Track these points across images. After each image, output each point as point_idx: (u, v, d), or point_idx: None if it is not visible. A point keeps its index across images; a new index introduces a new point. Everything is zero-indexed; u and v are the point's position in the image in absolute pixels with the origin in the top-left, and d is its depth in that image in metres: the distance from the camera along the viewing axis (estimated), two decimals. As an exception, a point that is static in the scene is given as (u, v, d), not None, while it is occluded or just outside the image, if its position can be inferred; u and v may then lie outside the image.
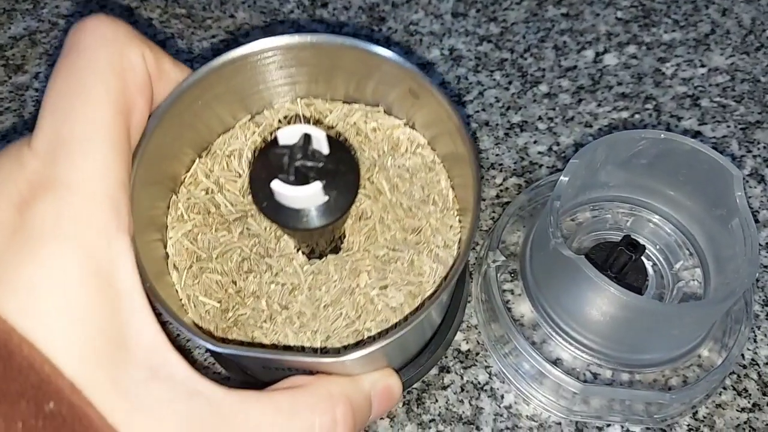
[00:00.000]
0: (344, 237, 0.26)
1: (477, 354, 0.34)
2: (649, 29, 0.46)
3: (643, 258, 0.34)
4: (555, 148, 0.41)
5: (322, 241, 0.24)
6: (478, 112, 0.43)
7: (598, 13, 0.47)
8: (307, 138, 0.20)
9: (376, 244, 0.25)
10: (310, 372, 0.22)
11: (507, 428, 0.33)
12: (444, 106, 0.24)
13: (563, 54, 0.45)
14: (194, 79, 0.23)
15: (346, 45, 0.24)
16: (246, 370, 0.29)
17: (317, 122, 0.28)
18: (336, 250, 0.25)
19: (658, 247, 0.35)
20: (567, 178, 0.30)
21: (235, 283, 0.25)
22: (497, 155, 0.41)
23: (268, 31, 0.47)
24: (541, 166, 0.41)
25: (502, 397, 0.33)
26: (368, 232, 0.26)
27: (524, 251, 0.35)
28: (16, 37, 0.47)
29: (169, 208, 0.26)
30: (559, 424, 0.33)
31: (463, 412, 0.33)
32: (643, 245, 0.32)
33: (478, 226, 0.23)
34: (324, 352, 0.24)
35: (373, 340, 0.22)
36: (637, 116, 0.42)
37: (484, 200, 0.40)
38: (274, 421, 0.20)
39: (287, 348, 0.24)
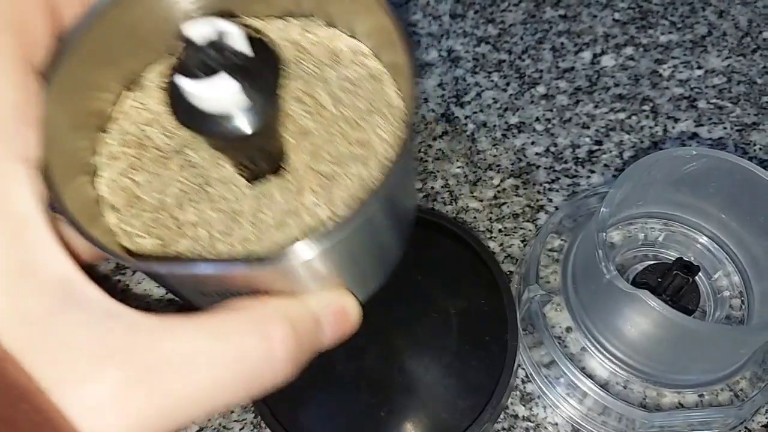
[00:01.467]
0: (285, 157, 0.24)
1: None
2: (646, 31, 0.46)
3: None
4: (552, 149, 0.42)
5: (261, 162, 0.23)
6: (476, 113, 0.43)
7: (595, 14, 0.47)
8: (221, 36, 0.18)
9: (320, 161, 0.24)
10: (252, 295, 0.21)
11: None
12: (380, 8, 0.23)
13: (561, 55, 0.45)
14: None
15: None
16: (182, 298, 0.27)
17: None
18: (277, 171, 0.24)
19: (693, 259, 0.35)
20: (608, 210, 0.30)
21: (176, 218, 0.24)
22: (495, 156, 0.41)
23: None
24: (538, 167, 0.41)
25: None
26: (312, 149, 0.24)
27: (565, 280, 0.34)
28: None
29: (96, 147, 0.24)
30: (556, 424, 0.34)
31: None
32: (698, 266, 0.32)
33: (413, 127, 0.22)
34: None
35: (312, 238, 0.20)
36: (634, 118, 0.43)
37: (481, 201, 0.40)
38: (199, 346, 0.18)
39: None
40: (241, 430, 0.34)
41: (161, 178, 0.24)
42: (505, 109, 0.43)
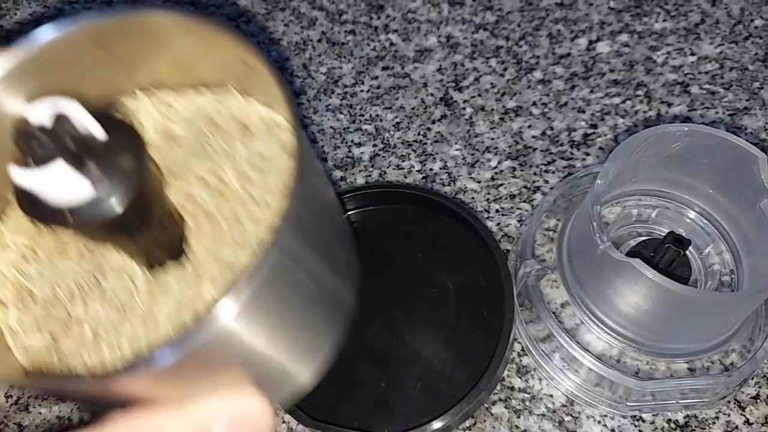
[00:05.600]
0: (184, 239, 0.21)
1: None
2: (641, 18, 0.47)
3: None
4: (548, 132, 0.42)
5: (157, 250, 0.20)
6: (474, 97, 0.44)
7: (591, 2, 0.48)
8: (61, 118, 0.16)
9: (224, 245, 0.21)
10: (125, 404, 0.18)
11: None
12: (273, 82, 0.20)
13: (557, 42, 0.46)
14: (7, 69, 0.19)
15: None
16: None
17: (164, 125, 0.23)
18: (179, 256, 0.21)
19: (684, 234, 0.36)
20: (603, 182, 0.31)
21: (68, 311, 0.21)
22: (492, 139, 0.42)
23: (269, 18, 0.48)
24: (535, 149, 0.42)
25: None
26: (214, 234, 0.21)
27: (560, 256, 0.35)
28: (22, 22, 0.48)
29: None
30: (551, 396, 0.35)
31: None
32: (689, 239, 0.33)
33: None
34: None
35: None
36: (628, 102, 0.44)
37: (479, 182, 0.41)
38: None
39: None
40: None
41: (56, 268, 0.22)
42: (503, 94, 0.44)
